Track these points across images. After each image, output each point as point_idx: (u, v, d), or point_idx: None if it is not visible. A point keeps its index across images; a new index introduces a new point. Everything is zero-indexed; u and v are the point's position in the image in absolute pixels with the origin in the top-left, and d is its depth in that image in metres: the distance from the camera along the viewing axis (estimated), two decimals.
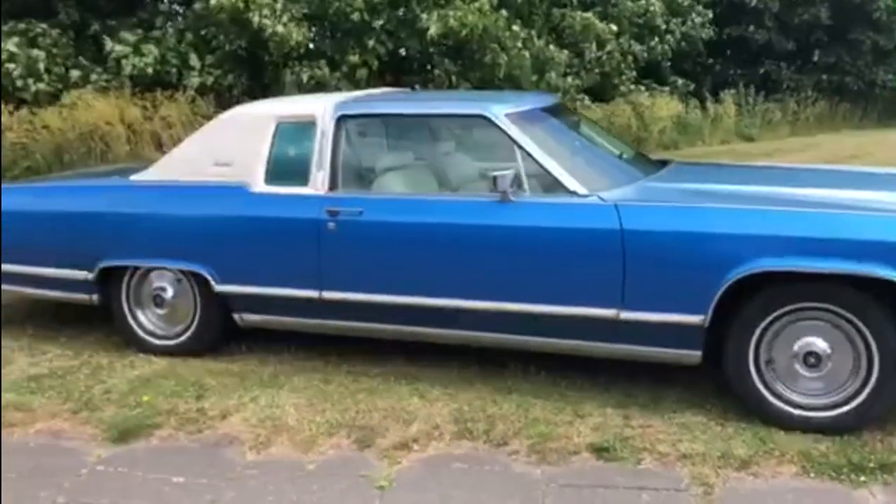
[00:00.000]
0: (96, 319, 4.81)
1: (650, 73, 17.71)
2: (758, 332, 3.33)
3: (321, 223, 3.85)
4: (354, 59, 11.91)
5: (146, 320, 4.38)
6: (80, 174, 5.42)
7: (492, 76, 13.17)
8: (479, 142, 4.13)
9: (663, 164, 4.32)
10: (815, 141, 16.77)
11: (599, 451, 3.28)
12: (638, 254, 3.37)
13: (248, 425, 3.57)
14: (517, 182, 3.58)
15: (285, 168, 4.06)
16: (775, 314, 3.31)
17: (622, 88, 16.74)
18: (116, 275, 4.32)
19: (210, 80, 11.21)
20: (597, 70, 15.81)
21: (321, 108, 4.02)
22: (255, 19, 10.61)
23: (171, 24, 11.72)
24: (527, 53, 13.30)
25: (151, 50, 11.18)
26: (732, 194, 3.60)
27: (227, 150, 4.13)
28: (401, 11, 12.18)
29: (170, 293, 4.29)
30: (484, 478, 3.16)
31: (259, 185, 4.03)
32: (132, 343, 4.41)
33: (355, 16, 11.73)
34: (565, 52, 14.29)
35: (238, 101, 11.32)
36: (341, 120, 3.96)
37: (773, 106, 18.82)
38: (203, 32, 11.52)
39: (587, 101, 15.12)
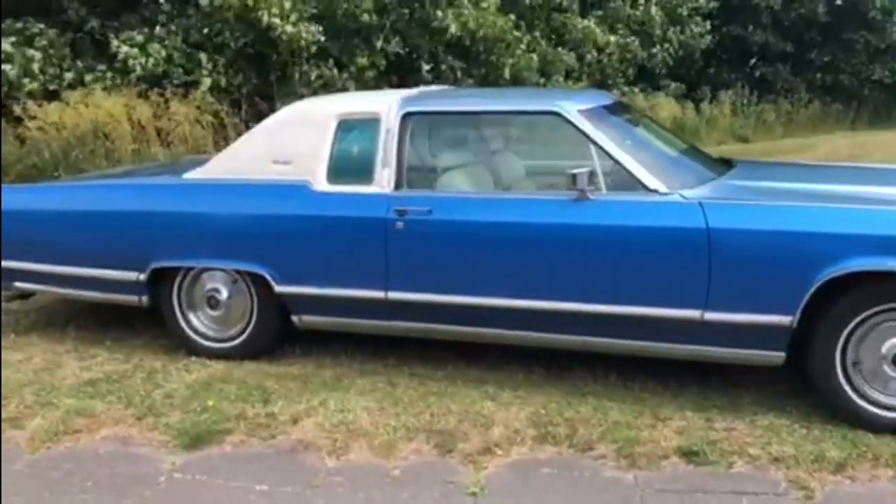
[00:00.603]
0: (140, 321, 4.70)
1: (644, 77, 17.75)
2: (846, 333, 3.28)
3: (389, 222, 3.76)
4: (363, 60, 11.83)
5: (198, 322, 4.27)
6: (125, 172, 5.24)
7: (497, 76, 13.14)
8: (548, 139, 4.05)
9: (726, 162, 4.27)
10: (809, 142, 16.86)
11: (688, 455, 3.23)
12: (725, 253, 3.31)
13: (321, 430, 3.47)
14: (594, 180, 3.51)
15: (348, 166, 3.96)
16: (864, 315, 3.26)
17: (617, 91, 16.77)
18: (168, 276, 4.20)
19: (222, 80, 11.06)
20: (597, 73, 15.83)
21: (385, 105, 3.93)
22: (265, 18, 10.48)
23: (176, 23, 11.55)
24: (534, 55, 13.29)
25: (158, 49, 11.02)
26: (813, 193, 3.56)
27: (288, 147, 4.02)
28: (408, 11, 12.11)
29: (224, 294, 4.18)
30: (576, 483, 3.09)
31: (321, 184, 3.93)
32: (184, 346, 4.30)
33: (364, 17, 11.64)
34: (572, 53, 14.30)
35: (247, 101, 11.25)
36: (406, 117, 3.87)
37: (767, 107, 18.94)
38: (207, 31, 11.36)
39: None
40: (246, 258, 4.02)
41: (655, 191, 3.49)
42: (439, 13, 11.91)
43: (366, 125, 3.95)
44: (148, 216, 4.15)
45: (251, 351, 4.19)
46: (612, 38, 15.62)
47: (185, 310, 4.27)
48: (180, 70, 10.90)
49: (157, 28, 11.27)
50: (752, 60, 20.43)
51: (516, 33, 12.95)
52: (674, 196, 3.47)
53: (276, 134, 4.10)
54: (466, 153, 4.13)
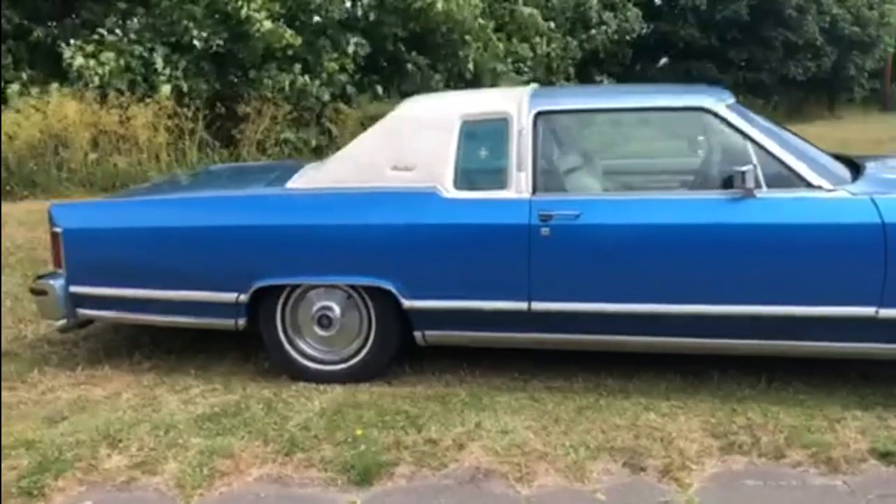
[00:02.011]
0: (208, 345, 4.31)
1: (579, 74, 18.00)
2: None
3: (533, 228, 3.54)
4: (332, 64, 11.46)
5: (305, 345, 3.92)
6: (206, 184, 4.67)
7: (462, 69, 13.02)
8: (691, 136, 3.91)
9: (847, 158, 4.21)
10: None
11: (885, 456, 3.16)
12: None
13: (494, 455, 3.23)
14: (755, 178, 3.40)
15: (477, 170, 3.73)
16: None
17: (559, 86, 16.94)
18: (270, 295, 3.84)
19: (184, 85, 10.46)
20: (543, 67, 15.92)
21: (514, 105, 3.71)
22: (244, 11, 9.97)
23: (128, 27, 10.86)
24: (501, 45, 13.24)
25: (110, 58, 10.34)
26: None
27: (408, 152, 3.74)
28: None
29: (337, 312, 3.85)
30: (789, 494, 2.97)
31: (450, 190, 3.67)
32: (288, 371, 3.95)
33: (335, 13, 11.28)
34: (524, 45, 14.29)
35: (207, 106, 10.67)
36: (538, 116, 3.66)
37: None
38: (164, 29, 10.74)
39: None
40: (368, 272, 3.71)
41: (819, 187, 3.41)
42: None
43: (493, 126, 3.71)
44: (252, 231, 3.77)
45: (367, 372, 3.89)
46: (552, 24, 15.71)
47: (290, 332, 3.92)
48: (139, 78, 10.25)
49: (106, 34, 10.58)
50: (665, 58, 21.04)
51: (481, 21, 12.85)
52: (840, 193, 3.40)
53: (393, 139, 3.80)
54: (603, 153, 3.95)
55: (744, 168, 3.36)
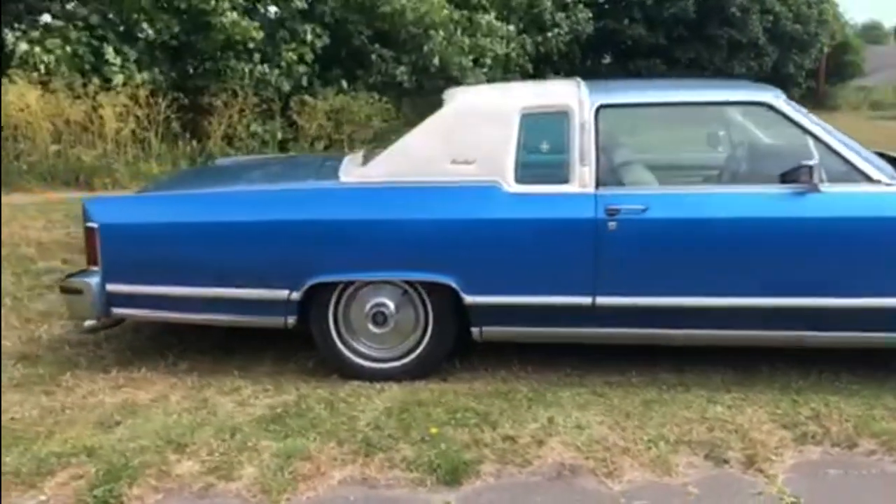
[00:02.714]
0: (232, 343, 4.18)
1: (534, 72, 18.09)
2: None
3: (600, 223, 3.53)
4: (291, 54, 11.23)
5: (357, 342, 3.83)
6: (245, 178, 4.50)
7: (426, 63, 12.93)
8: (749, 129, 3.93)
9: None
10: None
11: None
12: None
13: (576, 450, 3.21)
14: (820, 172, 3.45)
15: (538, 164, 3.69)
16: None
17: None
18: (322, 292, 3.73)
19: (137, 76, 10.10)
20: (500, 65, 15.92)
21: (574, 97, 3.68)
22: (212, 2, 9.69)
23: (77, 13, 10.41)
24: (466, 39, 13.21)
25: (56, 44, 9.91)
26: None
27: (467, 146, 3.67)
28: None
29: (392, 309, 3.77)
30: (870, 482, 3.05)
31: (512, 184, 3.62)
32: (339, 369, 3.84)
33: (296, 2, 11.05)
34: (487, 39, 14.25)
35: (165, 97, 10.33)
36: (600, 110, 3.64)
37: None
38: (113, 18, 10.36)
39: None
40: (429, 268, 3.63)
41: (878, 182, 3.49)
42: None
43: (553, 119, 3.68)
44: (307, 226, 3.65)
45: (423, 369, 3.81)
46: (511, 28, 15.76)
47: (343, 329, 3.81)
48: (88, 66, 9.85)
49: (51, 20, 10.14)
50: (608, 56, 21.34)
51: (446, 11, 12.81)
52: None
53: (451, 132, 3.72)
54: (664, 146, 3.95)
55: (809, 162, 3.41)
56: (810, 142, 3.55)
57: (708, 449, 3.22)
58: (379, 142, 12.54)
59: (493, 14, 15.19)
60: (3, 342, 4.31)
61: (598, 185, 3.59)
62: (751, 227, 3.48)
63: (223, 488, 2.96)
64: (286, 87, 11.22)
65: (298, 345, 4.10)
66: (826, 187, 3.47)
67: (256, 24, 10.61)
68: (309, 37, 11.43)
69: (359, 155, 4.36)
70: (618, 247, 3.53)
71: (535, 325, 3.71)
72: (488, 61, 14.04)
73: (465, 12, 14.88)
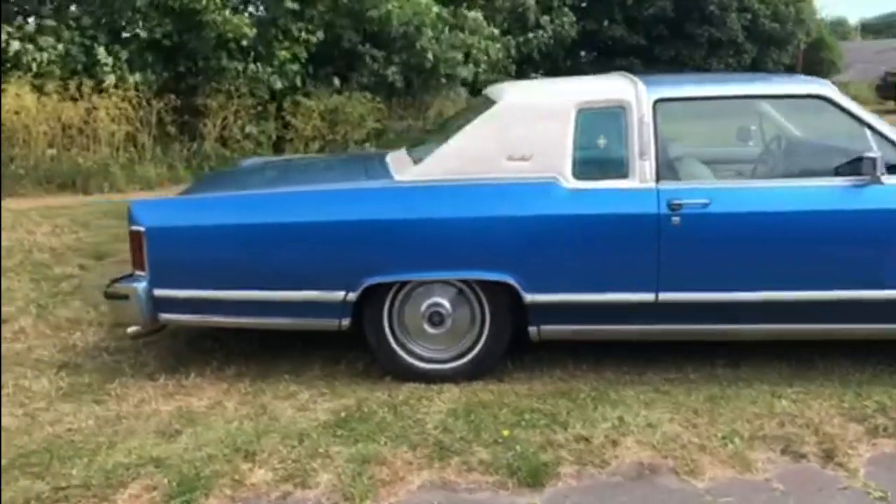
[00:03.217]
0: (285, 348, 4.08)
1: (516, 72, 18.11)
2: None
3: (663, 218, 3.49)
4: (284, 53, 11.11)
5: (413, 343, 3.76)
6: (293, 178, 4.39)
7: (419, 61, 12.88)
8: (805, 122, 3.91)
9: None
10: None
11: None
12: None
13: (651, 449, 3.17)
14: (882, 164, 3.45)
15: (596, 160, 3.64)
16: None
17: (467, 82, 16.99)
18: (377, 293, 3.65)
19: (129, 77, 9.93)
20: (487, 64, 15.91)
21: (631, 92, 3.64)
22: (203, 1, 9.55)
23: (69, 13, 10.22)
24: (458, 34, 13.18)
25: (49, 42, 9.72)
26: None
27: (523, 142, 3.62)
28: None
29: (448, 309, 3.70)
30: None
31: (570, 180, 3.58)
32: (393, 371, 3.77)
33: (289, 3, 10.94)
34: (475, 37, 14.23)
35: (157, 97, 10.15)
36: (657, 104, 3.61)
37: None
38: (104, 21, 10.17)
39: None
40: (488, 267, 3.57)
41: None
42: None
43: (610, 114, 3.64)
44: (365, 226, 3.57)
45: (479, 369, 3.75)
46: (495, 31, 15.76)
47: (398, 330, 3.74)
48: (80, 67, 9.68)
49: (42, 20, 9.94)
50: (584, 54, 21.39)
51: (436, 10, 12.76)
52: None
53: (506, 128, 3.66)
54: (720, 140, 3.92)
55: (872, 154, 3.40)
56: (867, 133, 3.54)
57: (783, 444, 3.20)
58: (373, 142, 12.49)
59: (479, 12, 15.18)
60: (37, 352, 4.19)
61: (658, 179, 3.56)
62: (814, 220, 3.46)
63: (301, 496, 2.88)
64: (279, 84, 11.09)
65: (344, 347, 4.03)
66: (888, 179, 3.46)
67: (248, 20, 10.48)
68: (303, 34, 11.32)
69: (402, 153, 4.29)
70: (681, 242, 3.50)
71: (595, 323, 3.66)
72: (482, 63, 14.01)
73: (452, 7, 14.88)
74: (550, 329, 3.70)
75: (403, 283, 3.68)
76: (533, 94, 3.94)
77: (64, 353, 4.16)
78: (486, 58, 15.00)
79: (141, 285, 3.66)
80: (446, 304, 3.71)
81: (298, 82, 11.49)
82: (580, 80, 4.41)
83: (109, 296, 3.76)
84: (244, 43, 10.49)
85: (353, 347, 4.01)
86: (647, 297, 3.56)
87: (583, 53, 20.98)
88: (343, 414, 3.43)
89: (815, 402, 3.52)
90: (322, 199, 3.69)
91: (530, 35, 17.52)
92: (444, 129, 4.53)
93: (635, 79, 3.76)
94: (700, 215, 3.49)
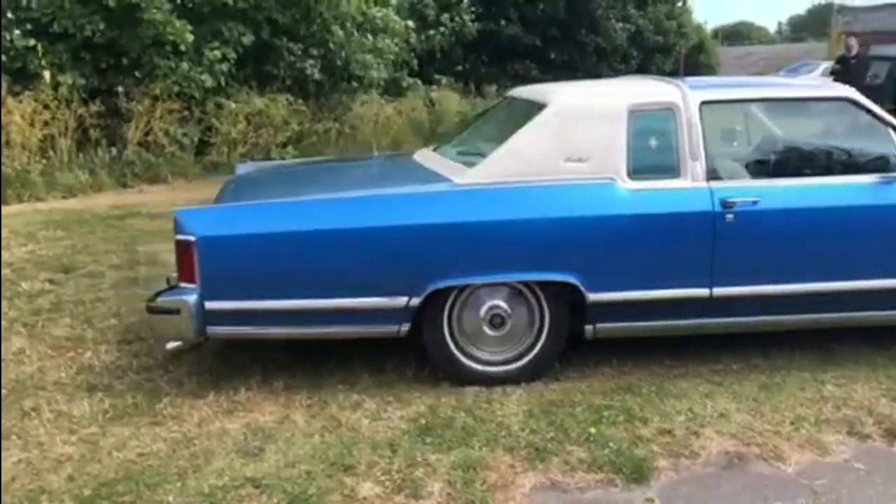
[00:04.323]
0: (327, 357, 3.98)
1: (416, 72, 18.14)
2: None
3: (718, 216, 3.63)
4: (215, 53, 10.72)
5: (472, 346, 3.74)
6: (341, 183, 4.27)
7: (334, 59, 12.74)
8: (832, 123, 4.12)
9: None
10: None
11: None
12: None
13: (731, 438, 3.30)
14: None
15: (648, 160, 3.73)
16: None
17: (403, 84, 17.01)
18: (437, 297, 3.61)
19: (69, 77, 9.35)
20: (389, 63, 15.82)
21: (678, 94, 3.77)
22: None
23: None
24: (370, 37, 13.08)
25: None
26: None
27: (579, 143, 3.67)
28: None
29: (508, 311, 3.71)
30: None
31: (626, 181, 3.66)
32: (453, 375, 3.73)
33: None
34: (381, 37, 14.15)
35: (91, 97, 9.59)
36: (703, 106, 3.75)
37: None
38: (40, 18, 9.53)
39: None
40: (553, 267, 3.60)
41: None
42: None
43: (659, 116, 3.75)
44: (430, 230, 3.52)
45: (539, 370, 3.78)
46: (410, 23, 15.72)
47: (457, 334, 3.71)
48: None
49: None
50: (480, 57, 21.74)
51: (353, 13, 12.65)
52: None
53: (562, 130, 3.69)
54: (758, 140, 4.09)
55: None
56: (892, 133, 3.81)
57: (847, 426, 3.39)
58: (296, 145, 12.22)
59: (389, 9, 15.09)
60: (52, 374, 3.89)
61: (708, 178, 3.69)
62: (856, 214, 3.70)
63: None
64: (209, 82, 10.67)
65: (383, 352, 3.95)
66: None
67: (189, 26, 10.07)
68: (234, 34, 10.96)
69: (435, 154, 4.27)
70: (734, 238, 3.64)
71: (651, 320, 3.76)
72: (391, 58, 14.00)
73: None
74: (606, 327, 3.76)
75: (463, 287, 3.65)
76: (584, 96, 3.99)
77: (85, 374, 3.88)
78: (392, 57, 14.96)
79: (191, 298, 3.46)
80: (506, 306, 3.71)
81: (223, 83, 11.09)
82: (624, 82, 4.50)
83: (155, 310, 3.54)
84: (182, 48, 10.05)
85: (392, 352, 3.94)
86: (702, 292, 3.69)
87: (484, 58, 21.21)
88: (423, 421, 3.37)
89: (856, 385, 3.74)
90: (384, 204, 3.60)
91: (431, 32, 17.55)
92: (479, 129, 4.56)
93: (677, 82, 3.89)
94: (751, 212, 3.64)
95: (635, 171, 3.69)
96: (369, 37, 13.49)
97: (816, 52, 35.14)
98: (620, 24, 21.78)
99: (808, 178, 3.82)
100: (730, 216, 3.63)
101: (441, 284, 3.56)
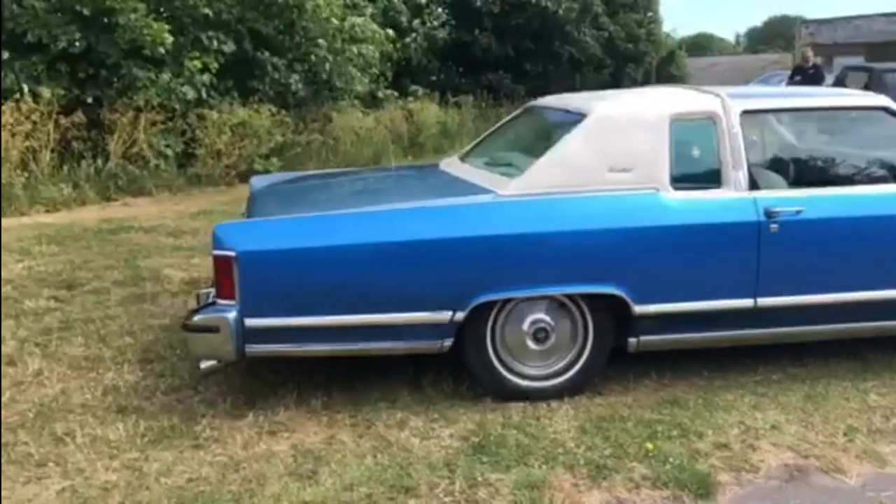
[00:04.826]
0: (356, 375, 3.87)
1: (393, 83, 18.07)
2: None
3: (763, 225, 3.60)
4: (195, 63, 10.55)
5: (515, 361, 3.66)
6: (386, 197, 4.15)
7: (318, 71, 12.64)
8: (868, 132, 4.11)
9: None
10: None
11: None
12: None
13: (788, 450, 3.27)
14: None
15: (690, 170, 3.71)
16: None
17: (380, 94, 16.92)
18: (480, 311, 3.53)
19: (46, 90, 9.11)
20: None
21: (719, 104, 3.75)
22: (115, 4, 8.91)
23: None
24: (355, 48, 12.99)
25: None
26: None
27: (623, 153, 3.62)
28: None
29: (552, 324, 3.64)
30: None
31: (670, 191, 3.62)
32: (497, 391, 3.65)
33: (202, 9, 10.42)
34: (369, 45, 14.06)
35: (65, 110, 9.35)
36: (743, 115, 3.73)
37: (503, 111, 20.52)
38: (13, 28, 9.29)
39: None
40: (601, 279, 3.54)
41: None
42: None
43: (700, 125, 3.72)
44: (476, 242, 3.44)
45: (582, 384, 3.71)
46: (391, 32, 15.65)
47: (500, 349, 3.63)
48: None
49: None
50: (456, 68, 21.80)
51: (335, 21, 12.57)
52: None
53: (605, 140, 3.65)
54: (796, 149, 4.08)
55: None
56: None
57: None
58: (280, 156, 12.05)
59: (367, 19, 15.00)
60: (76, 396, 3.73)
61: (750, 188, 3.67)
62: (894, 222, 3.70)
63: None
64: (190, 94, 10.49)
65: (419, 368, 3.87)
66: None
67: (167, 26, 9.88)
68: (214, 44, 10.80)
69: (455, 162, 4.20)
70: (778, 248, 3.62)
71: (694, 331, 3.72)
72: (374, 69, 13.94)
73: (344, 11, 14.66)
74: (650, 339, 3.71)
75: (506, 301, 3.58)
76: (625, 106, 3.94)
77: (112, 395, 3.72)
78: (374, 68, 14.90)
79: (231, 315, 3.34)
80: (550, 319, 3.64)
81: (204, 94, 10.90)
82: (663, 91, 4.46)
83: (193, 328, 3.40)
84: (162, 50, 9.85)
85: (428, 368, 3.85)
86: (747, 302, 3.66)
87: (459, 69, 21.20)
88: (475, 439, 3.28)
89: None
90: (430, 216, 3.51)
91: (407, 39, 17.50)
92: (502, 140, 4.52)
93: (717, 91, 3.86)
94: (795, 222, 3.62)
95: (677, 181, 3.65)
96: (354, 48, 13.40)
97: (782, 63, 35.74)
98: (593, 32, 21.94)
99: (848, 186, 3.82)
100: (774, 226, 3.61)
101: (486, 298, 3.48)
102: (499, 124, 4.93)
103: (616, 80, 23.56)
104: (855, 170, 3.93)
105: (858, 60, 22.65)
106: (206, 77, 10.76)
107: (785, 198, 3.68)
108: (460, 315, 3.47)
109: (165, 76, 10.25)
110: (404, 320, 3.46)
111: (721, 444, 3.29)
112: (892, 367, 4.03)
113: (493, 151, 4.45)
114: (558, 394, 3.67)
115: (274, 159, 11.81)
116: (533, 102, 4.79)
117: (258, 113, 11.61)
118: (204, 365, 3.52)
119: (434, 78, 20.31)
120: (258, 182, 4.91)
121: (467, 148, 4.81)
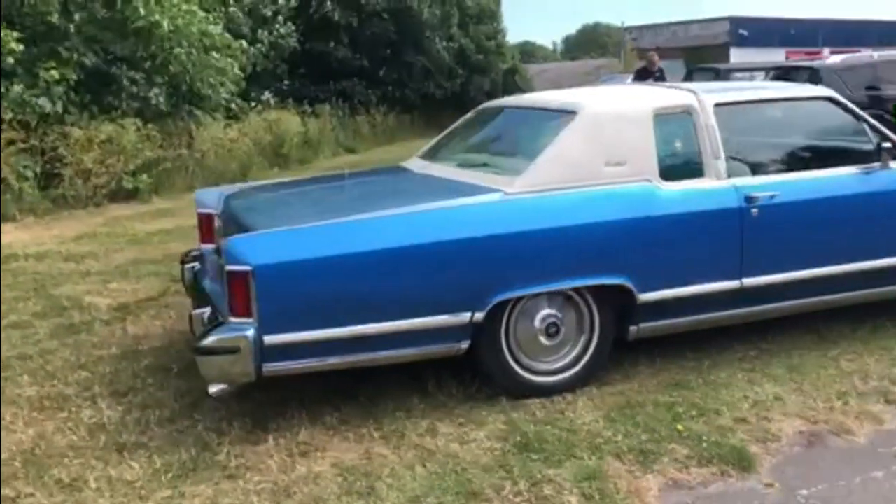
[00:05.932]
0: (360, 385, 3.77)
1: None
2: None
3: (745, 211, 3.83)
4: (52, 73, 9.79)
5: (527, 357, 3.68)
6: (383, 199, 3.97)
7: (179, 83, 12.11)
8: (816, 120, 4.40)
9: None
10: (406, 146, 18.43)
11: None
12: None
13: (798, 418, 3.48)
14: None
15: (675, 161, 3.88)
16: None
17: (233, 106, 16.40)
18: (496, 310, 3.53)
19: None
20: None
21: (693, 98, 3.95)
22: None
23: None
24: (215, 53, 12.53)
25: None
26: None
27: (616, 148, 3.73)
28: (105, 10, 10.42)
29: (562, 319, 3.69)
30: None
31: (661, 182, 3.77)
32: (512, 388, 3.65)
33: (54, 17, 9.71)
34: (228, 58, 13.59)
35: None
36: (717, 108, 3.95)
37: (361, 120, 20.51)
38: None
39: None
40: (609, 271, 3.63)
41: None
42: (141, 10, 10.51)
43: (679, 119, 3.91)
44: (492, 241, 3.42)
45: (589, 376, 3.78)
46: (245, 43, 15.22)
47: (513, 346, 3.64)
48: None
49: None
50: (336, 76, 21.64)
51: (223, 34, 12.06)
52: None
53: (598, 135, 3.74)
54: (760, 138, 4.32)
55: (887, 144, 4.06)
56: (866, 127, 4.20)
57: (881, 396, 3.67)
58: (148, 173, 11.39)
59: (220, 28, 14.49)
60: (56, 439, 3.38)
61: (729, 176, 3.88)
62: (860, 201, 4.04)
63: None
64: (48, 107, 9.71)
65: (415, 374, 3.80)
66: (893, 164, 4.14)
67: (15, 34, 9.12)
68: (74, 55, 10.07)
69: (426, 164, 4.24)
70: (759, 230, 3.85)
71: (687, 315, 3.88)
72: (238, 77, 13.54)
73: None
74: (648, 326, 3.84)
75: (519, 298, 3.59)
76: (610, 102, 4.06)
77: (100, 434, 3.40)
78: (235, 77, 14.43)
79: (250, 333, 3.15)
80: (559, 314, 3.68)
81: (61, 108, 10.10)
82: (639, 89, 4.60)
83: (208, 351, 3.17)
84: (10, 60, 9.06)
85: (427, 371, 3.79)
86: (733, 284, 3.87)
87: (311, 77, 20.91)
88: (515, 438, 3.26)
89: (867, 359, 4.05)
90: (446, 218, 3.45)
91: (252, 49, 17.05)
92: (468, 140, 4.53)
93: (689, 86, 4.06)
94: (772, 205, 3.87)
95: (666, 172, 3.80)
96: (214, 55, 12.93)
97: (608, 67, 37.88)
98: (445, 44, 22.38)
99: (812, 171, 4.12)
100: (754, 210, 3.84)
101: (504, 297, 3.48)
102: (452, 126, 4.92)
103: (465, 90, 24.13)
104: (816, 154, 4.24)
105: (679, 63, 24.45)
106: (62, 88, 10.01)
107: (761, 184, 3.92)
108: (479, 316, 3.45)
109: (17, 88, 9.46)
110: (424, 325, 3.39)
111: (739, 418, 3.45)
112: (846, 335, 4.36)
113: (461, 152, 4.46)
114: (570, 387, 3.72)
115: (144, 176, 11.16)
116: (486, 104, 4.84)
117: (124, 128, 10.94)
118: (213, 389, 3.29)
119: (284, 85, 19.87)
120: (214, 196, 4.51)
121: (425, 150, 4.78)
